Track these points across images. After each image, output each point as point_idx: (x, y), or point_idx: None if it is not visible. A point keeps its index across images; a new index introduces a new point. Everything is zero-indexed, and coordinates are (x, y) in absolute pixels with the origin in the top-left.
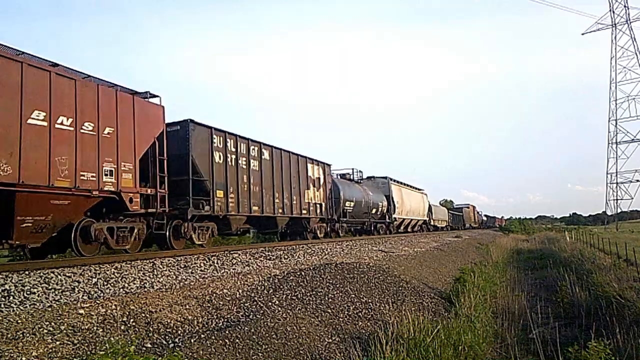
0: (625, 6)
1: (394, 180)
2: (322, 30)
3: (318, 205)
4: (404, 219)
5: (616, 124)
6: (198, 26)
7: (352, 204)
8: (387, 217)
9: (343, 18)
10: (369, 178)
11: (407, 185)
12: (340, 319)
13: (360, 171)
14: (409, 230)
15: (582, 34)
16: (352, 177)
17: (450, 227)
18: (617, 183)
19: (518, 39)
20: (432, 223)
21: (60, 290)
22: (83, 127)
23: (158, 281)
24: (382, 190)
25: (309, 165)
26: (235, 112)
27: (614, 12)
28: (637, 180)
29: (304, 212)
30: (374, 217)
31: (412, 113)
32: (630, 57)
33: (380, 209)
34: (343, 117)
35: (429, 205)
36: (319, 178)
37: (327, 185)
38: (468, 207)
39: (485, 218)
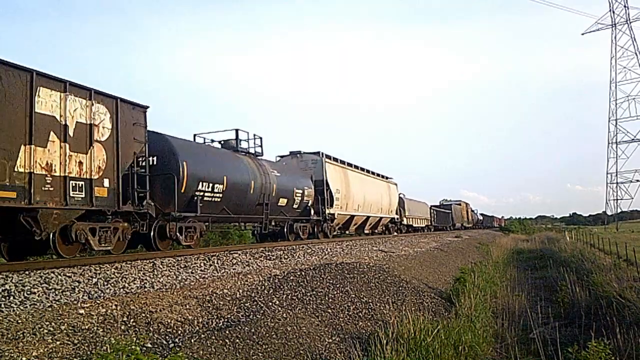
0: (625, 6)
1: (332, 158)
2: (322, 30)
3: (81, 185)
4: (352, 216)
5: (616, 124)
6: (198, 26)
7: (221, 187)
8: (312, 212)
9: (343, 18)
10: (292, 154)
11: (360, 168)
12: (341, 319)
13: (258, 137)
14: (366, 231)
15: (582, 34)
16: (236, 146)
17: (434, 228)
18: (617, 183)
19: (518, 39)
20: (405, 222)
21: (60, 290)
22: None
23: (158, 281)
24: (313, 172)
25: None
26: (235, 112)
27: (614, 12)
28: (637, 180)
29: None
30: (285, 211)
31: (412, 113)
32: (630, 57)
33: (302, 199)
34: (343, 117)
35: (401, 199)
36: (88, 126)
37: (122, 143)
38: (459, 204)
39: (481, 217)
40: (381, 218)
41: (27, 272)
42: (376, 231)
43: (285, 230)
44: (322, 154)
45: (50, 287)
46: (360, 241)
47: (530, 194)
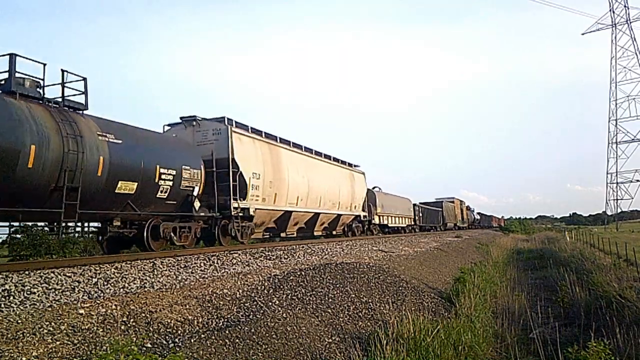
0: (625, 6)
1: (250, 129)
2: (322, 30)
3: None
4: (288, 213)
5: (616, 124)
6: (198, 26)
7: None
8: (198, 205)
9: (343, 18)
10: (185, 120)
11: (304, 148)
12: (341, 319)
13: (80, 79)
14: (317, 233)
15: (582, 34)
16: (10, 85)
17: (420, 228)
18: (617, 183)
19: (518, 39)
20: (376, 220)
21: (60, 290)
22: None
23: (158, 281)
24: (214, 147)
25: None
26: (235, 112)
27: (614, 12)
28: (637, 180)
29: None
30: (140, 204)
31: (413, 113)
32: (630, 57)
33: (174, 185)
34: (343, 117)
35: (371, 193)
36: None
37: None
38: (452, 202)
39: (478, 217)
40: (340, 215)
41: (27, 272)
42: (334, 232)
43: (145, 233)
44: (229, 120)
45: (50, 287)
46: (360, 241)
47: (530, 194)
